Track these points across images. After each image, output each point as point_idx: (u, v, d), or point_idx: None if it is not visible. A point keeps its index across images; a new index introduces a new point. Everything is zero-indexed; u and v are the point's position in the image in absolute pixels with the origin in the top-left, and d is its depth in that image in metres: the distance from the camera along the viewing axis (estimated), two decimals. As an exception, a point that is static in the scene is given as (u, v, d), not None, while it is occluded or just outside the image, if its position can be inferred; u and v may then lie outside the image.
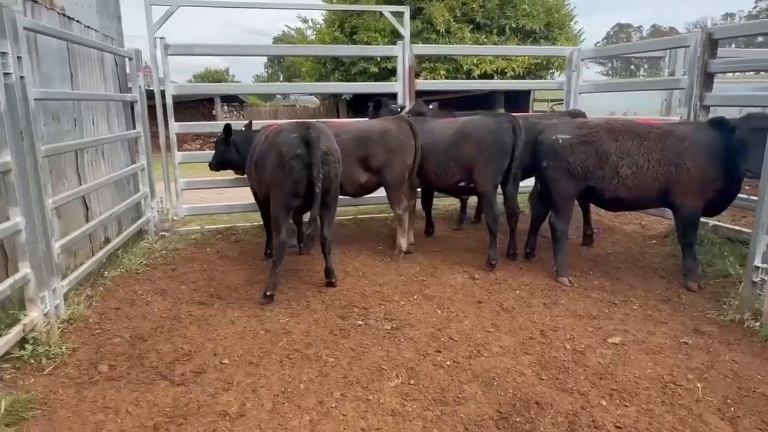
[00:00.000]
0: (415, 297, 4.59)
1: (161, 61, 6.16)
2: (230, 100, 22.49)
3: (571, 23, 17.71)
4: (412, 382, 3.21)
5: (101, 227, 5.28)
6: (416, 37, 15.99)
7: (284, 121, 5.36)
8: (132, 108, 6.21)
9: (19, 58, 3.33)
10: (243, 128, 5.94)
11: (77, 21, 4.86)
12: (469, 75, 15.55)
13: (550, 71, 16.98)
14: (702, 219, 4.90)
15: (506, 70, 15.43)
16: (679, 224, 4.75)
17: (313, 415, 2.87)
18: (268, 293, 4.43)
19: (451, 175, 5.45)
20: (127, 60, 5.98)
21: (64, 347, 3.49)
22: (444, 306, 4.39)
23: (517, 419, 2.84)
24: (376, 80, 15.54)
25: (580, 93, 7.28)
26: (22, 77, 3.37)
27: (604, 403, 2.98)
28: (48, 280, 3.57)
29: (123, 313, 4.22)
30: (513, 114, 5.45)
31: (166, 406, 2.95)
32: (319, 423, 2.80)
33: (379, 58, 15.95)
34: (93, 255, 4.79)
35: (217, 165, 5.82)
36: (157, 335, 3.83)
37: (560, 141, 4.82)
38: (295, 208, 4.58)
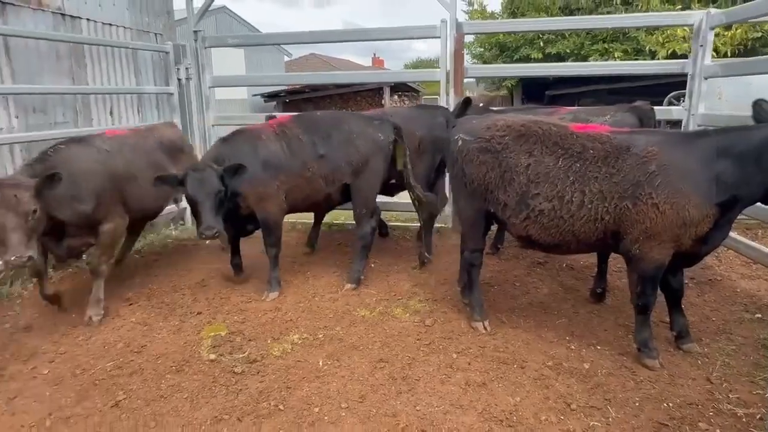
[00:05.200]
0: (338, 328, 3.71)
1: (200, 54, 6.29)
2: (402, 89, 22.68)
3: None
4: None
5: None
6: (589, 13, 13.52)
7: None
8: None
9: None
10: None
11: (87, 19, 5.19)
12: (653, 57, 12.44)
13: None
14: None
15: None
16: (633, 279, 3.20)
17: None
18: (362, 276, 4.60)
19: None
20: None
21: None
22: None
23: None
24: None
25: (705, 77, 5.00)
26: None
27: None
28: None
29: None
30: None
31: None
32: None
33: (542, 42, 13.94)
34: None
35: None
36: None
37: (459, 142, 3.46)
38: None
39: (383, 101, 20.47)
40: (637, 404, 2.87)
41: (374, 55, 44.10)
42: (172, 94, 6.28)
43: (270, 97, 23.08)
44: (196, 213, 3.85)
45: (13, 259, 3.12)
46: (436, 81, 5.98)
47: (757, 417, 2.69)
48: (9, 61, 4.45)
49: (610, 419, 2.75)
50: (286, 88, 21.52)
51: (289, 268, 4.98)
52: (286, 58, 31.56)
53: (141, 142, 4.45)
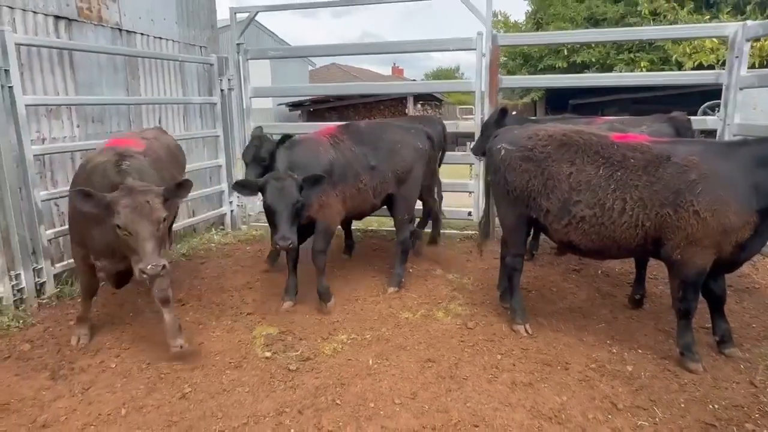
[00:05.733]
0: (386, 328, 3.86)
1: (242, 66, 6.55)
2: (425, 98, 22.93)
3: None
4: None
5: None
6: (615, 24, 13.59)
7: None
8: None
9: (6, 71, 3.89)
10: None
11: (141, 33, 5.48)
12: (680, 67, 12.43)
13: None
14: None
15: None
16: (675, 285, 3.30)
17: None
18: (403, 280, 4.77)
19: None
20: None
21: (20, 321, 4.01)
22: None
23: None
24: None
25: (741, 88, 5.07)
26: (10, 87, 3.94)
27: None
28: (24, 261, 4.13)
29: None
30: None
31: None
32: None
33: (566, 51, 14.00)
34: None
35: None
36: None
37: (502, 152, 3.65)
38: None
39: (407, 110, 20.70)
40: (682, 405, 2.96)
41: (394, 64, 44.54)
42: (215, 104, 6.54)
43: (294, 106, 23.51)
44: (271, 222, 3.80)
45: (149, 268, 2.93)
46: (469, 92, 6.18)
47: (804, 419, 2.76)
48: (73, 74, 4.74)
49: (657, 419, 2.84)
50: (310, 97, 21.91)
51: (330, 273, 5.12)
52: (310, 68, 32.14)
53: (157, 153, 4.13)
